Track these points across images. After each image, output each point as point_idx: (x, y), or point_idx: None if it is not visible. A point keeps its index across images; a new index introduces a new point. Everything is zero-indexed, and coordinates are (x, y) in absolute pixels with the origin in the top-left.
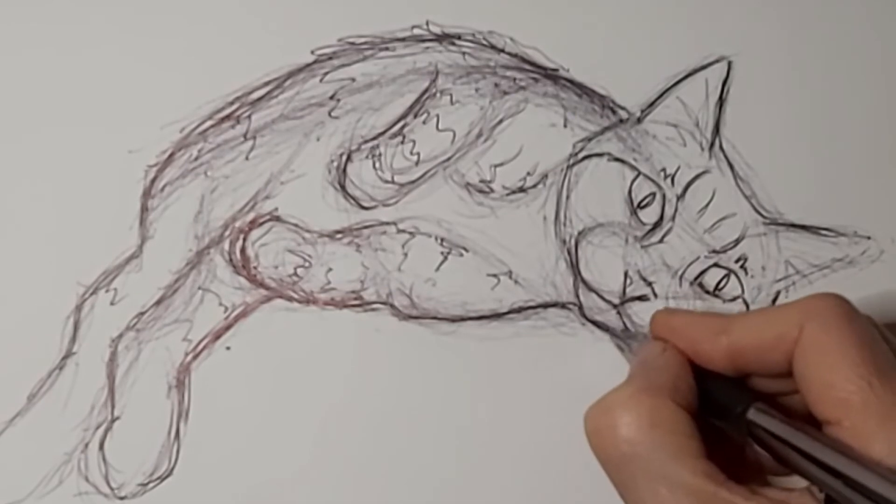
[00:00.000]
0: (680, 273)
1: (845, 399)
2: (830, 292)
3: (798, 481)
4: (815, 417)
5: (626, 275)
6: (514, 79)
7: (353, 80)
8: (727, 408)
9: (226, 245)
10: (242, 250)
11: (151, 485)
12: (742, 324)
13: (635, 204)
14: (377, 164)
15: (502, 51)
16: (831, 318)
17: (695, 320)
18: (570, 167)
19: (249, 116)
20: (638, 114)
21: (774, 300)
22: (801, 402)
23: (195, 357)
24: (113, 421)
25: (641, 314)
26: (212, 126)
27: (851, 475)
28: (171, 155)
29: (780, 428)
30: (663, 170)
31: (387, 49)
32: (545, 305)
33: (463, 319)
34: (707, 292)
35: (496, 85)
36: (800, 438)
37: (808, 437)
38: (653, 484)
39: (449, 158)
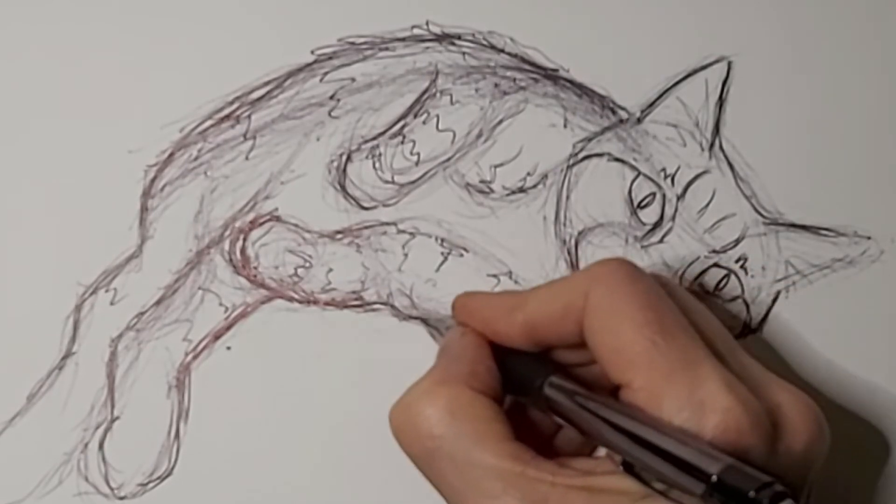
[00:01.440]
0: (680, 273)
1: (632, 360)
2: (614, 257)
3: (603, 449)
4: (612, 384)
5: None
6: (514, 79)
7: (353, 80)
8: (526, 383)
9: (226, 245)
10: (242, 250)
11: (151, 485)
12: (534, 297)
13: (635, 204)
14: (377, 165)
15: (502, 51)
16: (613, 282)
17: (490, 300)
18: (570, 167)
19: (249, 116)
20: (638, 114)
21: (774, 300)
22: (599, 371)
23: (195, 357)
24: (113, 421)
25: None
26: (212, 126)
27: (640, 435)
28: (171, 155)
29: (573, 397)
30: (663, 170)
31: (387, 49)
32: None
33: None
34: (707, 292)
35: (496, 85)
36: (591, 405)
37: (598, 403)
38: (461, 473)
39: (449, 159)
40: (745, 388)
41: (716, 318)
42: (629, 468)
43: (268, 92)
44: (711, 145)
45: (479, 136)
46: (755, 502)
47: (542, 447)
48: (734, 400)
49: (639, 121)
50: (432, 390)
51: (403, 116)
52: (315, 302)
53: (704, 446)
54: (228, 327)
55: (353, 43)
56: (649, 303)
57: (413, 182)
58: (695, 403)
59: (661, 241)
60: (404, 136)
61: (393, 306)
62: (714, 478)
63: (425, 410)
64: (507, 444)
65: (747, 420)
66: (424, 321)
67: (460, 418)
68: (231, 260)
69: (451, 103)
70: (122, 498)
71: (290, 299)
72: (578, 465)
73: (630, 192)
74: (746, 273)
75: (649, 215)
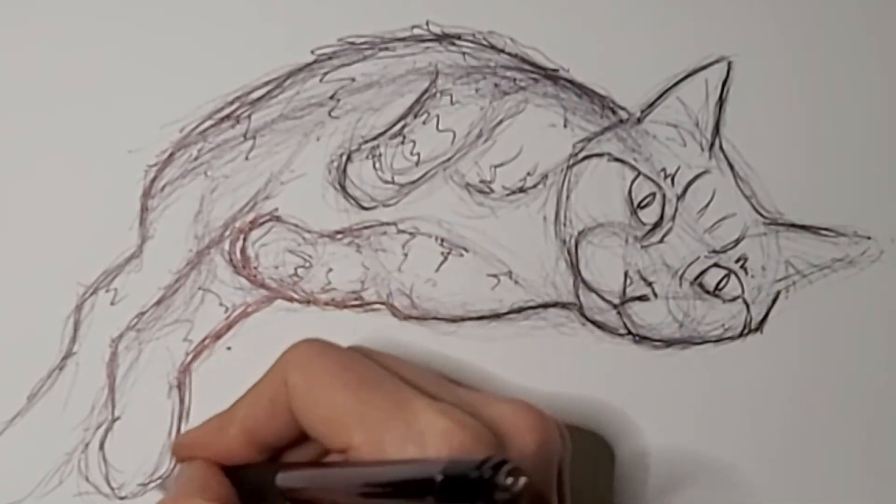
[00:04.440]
0: (680, 273)
1: (344, 422)
2: (303, 339)
3: None
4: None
5: (626, 275)
6: (514, 79)
7: (353, 80)
8: (262, 488)
9: (226, 245)
10: (243, 250)
11: (152, 485)
12: (240, 406)
13: (635, 204)
14: (377, 165)
15: (502, 51)
16: (305, 359)
17: (200, 428)
18: (570, 167)
19: (249, 116)
20: (638, 114)
21: (774, 300)
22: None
23: (196, 357)
24: (113, 421)
25: (642, 314)
26: (212, 126)
27: (369, 481)
28: (171, 155)
29: (300, 478)
30: (663, 170)
31: (387, 49)
32: (545, 305)
33: (463, 319)
34: (707, 292)
35: (496, 85)
36: (319, 475)
37: (326, 470)
38: None
39: (449, 159)
40: (459, 411)
41: (417, 365)
42: None
43: (268, 92)
44: (711, 145)
45: (479, 136)
46: (480, 480)
47: None
48: (450, 421)
49: (639, 121)
50: None
51: (403, 116)
52: (315, 302)
53: (426, 462)
54: (229, 327)
55: (353, 43)
56: (345, 366)
57: (413, 182)
58: (415, 435)
59: (661, 241)
60: (404, 136)
61: (393, 306)
62: (439, 477)
63: None
64: None
65: (468, 436)
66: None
67: None
68: (231, 260)
69: (451, 103)
70: (122, 498)
71: (290, 299)
72: None
73: (630, 192)
74: (746, 273)
75: (649, 215)
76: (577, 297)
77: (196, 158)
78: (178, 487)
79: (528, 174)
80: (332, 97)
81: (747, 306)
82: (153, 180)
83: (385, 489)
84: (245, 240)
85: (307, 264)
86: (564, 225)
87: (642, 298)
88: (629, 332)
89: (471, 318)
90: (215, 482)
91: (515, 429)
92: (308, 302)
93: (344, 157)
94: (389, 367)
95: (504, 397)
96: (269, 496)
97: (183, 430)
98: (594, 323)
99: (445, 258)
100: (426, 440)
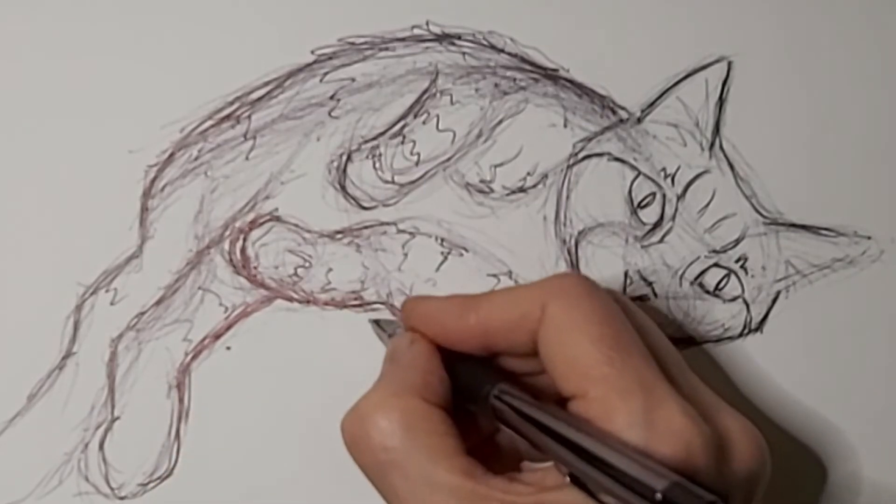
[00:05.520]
0: (680, 273)
1: (586, 373)
2: (571, 272)
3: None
4: (561, 396)
5: (626, 275)
6: (514, 79)
7: (353, 80)
8: (473, 391)
9: (226, 245)
10: (243, 250)
11: (151, 485)
12: (488, 302)
13: (635, 204)
14: (377, 165)
15: (502, 51)
16: (573, 297)
17: (443, 302)
18: (570, 167)
19: (249, 116)
20: (638, 114)
21: (774, 300)
22: (549, 381)
23: (195, 357)
24: (113, 421)
25: None
26: (212, 126)
27: (588, 448)
28: (171, 155)
29: (520, 406)
30: (663, 170)
31: (387, 49)
32: None
33: None
34: (707, 292)
35: (496, 85)
36: (539, 415)
37: (547, 414)
38: (414, 488)
39: (449, 159)
40: (696, 412)
41: (666, 338)
42: (577, 481)
43: (268, 92)
44: (711, 145)
45: (479, 136)
46: None
47: (490, 454)
48: (688, 423)
49: (639, 121)
50: (386, 402)
51: (403, 116)
52: (315, 302)
53: (652, 463)
54: (228, 327)
55: (353, 43)
56: (606, 319)
57: (413, 182)
58: (648, 422)
59: (661, 240)
60: (404, 136)
61: (393, 306)
62: (658, 495)
63: (379, 422)
64: (458, 459)
65: (698, 441)
66: (376, 322)
67: (414, 432)
68: (231, 260)
69: (451, 103)
70: (122, 498)
71: (290, 299)
72: (528, 478)
73: (630, 191)
74: (746, 273)
75: (649, 215)
76: None
77: (196, 158)
78: (397, 373)
79: (528, 174)
80: (332, 97)
81: (747, 306)
82: (153, 180)
83: (603, 467)
84: (245, 240)
85: (307, 264)
86: (564, 225)
87: (642, 298)
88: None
89: None
90: (436, 380)
91: (738, 449)
92: (308, 302)
93: (344, 157)
94: (643, 331)
95: (732, 409)
96: (477, 400)
97: (182, 430)
98: None
99: (445, 258)
100: (658, 429)
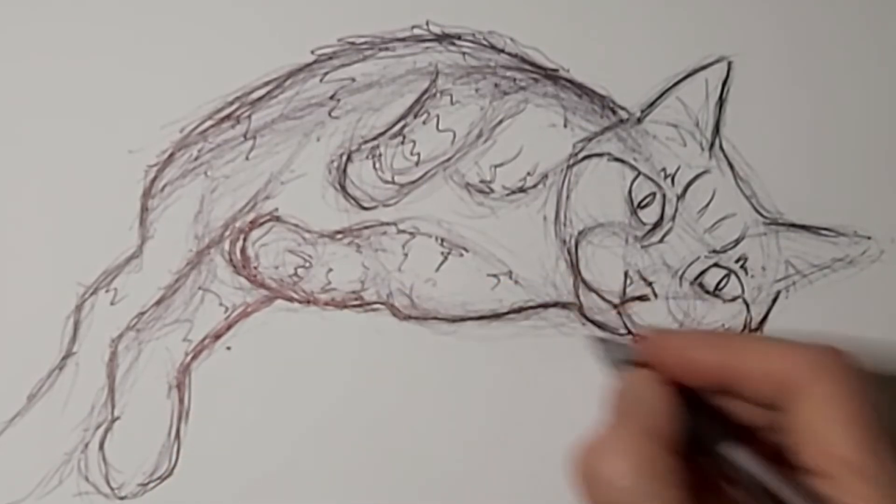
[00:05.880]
0: (680, 273)
1: (844, 458)
2: (834, 348)
3: None
4: (792, 463)
5: (626, 275)
6: (514, 79)
7: (353, 80)
8: (707, 443)
9: (226, 245)
10: (243, 250)
11: (151, 485)
12: (742, 349)
13: (635, 204)
14: (377, 165)
15: (502, 51)
16: (837, 377)
17: (691, 337)
18: (570, 167)
19: (249, 116)
20: (638, 114)
21: (774, 300)
22: (779, 440)
23: (195, 357)
24: (113, 421)
25: (642, 314)
26: (212, 126)
27: None
28: (171, 155)
29: (758, 474)
30: (663, 170)
31: (387, 49)
32: (545, 305)
33: (463, 319)
34: (707, 292)
35: (496, 85)
36: (779, 487)
37: (789, 488)
38: None
39: (449, 159)
40: None
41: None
42: None
43: (268, 92)
44: (711, 145)
45: (479, 136)
46: None
47: None
48: None
49: (639, 121)
50: (633, 444)
51: (403, 116)
52: (315, 302)
53: None
54: (228, 327)
55: (353, 43)
56: (868, 405)
57: (413, 182)
58: None
59: (661, 241)
60: (404, 136)
61: (393, 306)
62: None
63: (622, 463)
64: None
65: None
66: (601, 341)
67: (658, 483)
68: (231, 260)
69: (452, 103)
70: (122, 498)
71: (290, 299)
72: None
73: (630, 192)
74: (746, 273)
75: (649, 215)
76: (577, 297)
77: (196, 158)
78: (636, 415)
79: (528, 174)
80: (332, 97)
81: (747, 306)
82: (153, 180)
83: None
84: (245, 240)
85: (307, 264)
86: (564, 225)
87: (642, 298)
88: (629, 332)
89: (471, 318)
90: (678, 429)
91: None
92: (308, 302)
93: (344, 157)
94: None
95: None
96: (710, 454)
97: (182, 430)
98: (594, 323)
99: (445, 258)
100: None
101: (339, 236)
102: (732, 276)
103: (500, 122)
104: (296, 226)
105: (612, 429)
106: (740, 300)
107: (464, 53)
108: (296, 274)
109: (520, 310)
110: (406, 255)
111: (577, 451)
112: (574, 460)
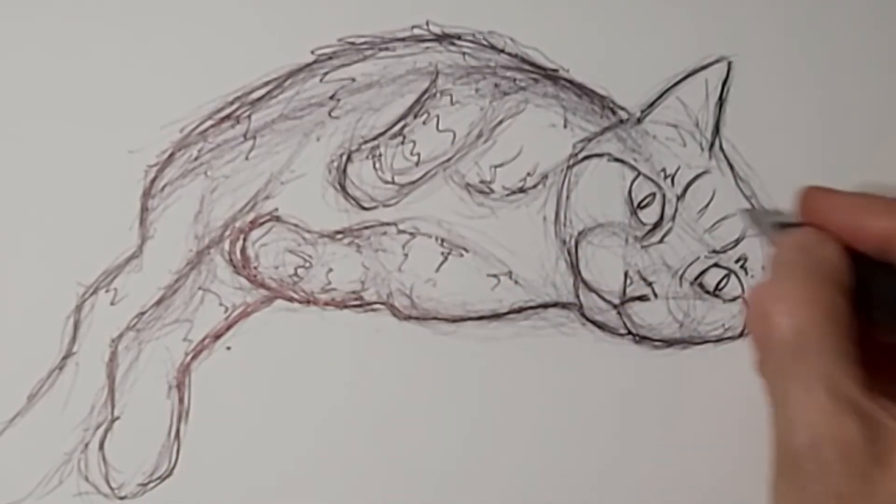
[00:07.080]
0: (680, 273)
1: None
2: None
3: None
4: None
5: (626, 275)
6: (514, 79)
7: (353, 80)
8: (879, 299)
9: (226, 245)
10: (243, 250)
11: (151, 485)
12: None
13: (635, 204)
14: (377, 165)
15: (502, 51)
16: None
17: (856, 198)
18: (570, 167)
19: (249, 116)
20: (638, 114)
21: None
22: None
23: (195, 357)
24: (113, 421)
25: (642, 314)
26: (212, 126)
27: None
28: (171, 155)
29: None
30: (663, 170)
31: (387, 49)
32: (545, 305)
33: (463, 320)
34: (707, 292)
35: (496, 85)
36: None
37: None
38: (812, 382)
39: (449, 159)
40: None
41: None
42: None
43: (268, 92)
44: (711, 145)
45: (479, 136)
46: None
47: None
48: None
49: (639, 121)
50: (814, 288)
51: (403, 116)
52: (315, 302)
53: None
54: (228, 327)
55: (353, 43)
56: None
57: (413, 182)
58: None
59: (661, 241)
60: (404, 137)
61: (393, 306)
62: None
63: (802, 306)
64: (860, 369)
65: None
66: (750, 212)
67: (836, 327)
68: (231, 260)
69: (452, 103)
70: (122, 498)
71: (290, 299)
72: None
73: (630, 192)
74: (746, 273)
75: (649, 215)
76: (577, 297)
77: (196, 158)
78: (812, 263)
79: (528, 174)
80: (332, 97)
81: (748, 306)
82: (153, 180)
83: None
84: (245, 240)
85: (307, 264)
86: (564, 225)
87: (642, 298)
88: (629, 332)
89: (471, 318)
90: (850, 281)
91: None
92: (308, 302)
93: (344, 157)
94: None
95: None
96: (882, 308)
97: (182, 430)
98: (594, 323)
99: (445, 258)
100: None
101: (339, 236)
102: (732, 276)
103: (500, 122)
104: (296, 226)
105: (795, 274)
106: (740, 300)
107: (464, 53)
108: (296, 274)
109: (520, 310)
110: (406, 255)
111: (758, 292)
112: (753, 299)
